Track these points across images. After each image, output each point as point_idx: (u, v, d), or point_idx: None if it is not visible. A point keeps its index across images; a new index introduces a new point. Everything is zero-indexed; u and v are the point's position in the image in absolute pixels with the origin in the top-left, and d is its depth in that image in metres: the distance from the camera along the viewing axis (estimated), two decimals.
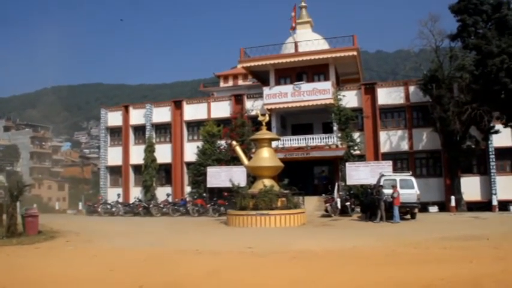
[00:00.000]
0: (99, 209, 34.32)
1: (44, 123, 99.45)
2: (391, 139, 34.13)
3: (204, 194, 33.15)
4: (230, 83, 55.63)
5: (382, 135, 34.06)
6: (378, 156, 33.30)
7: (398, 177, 24.05)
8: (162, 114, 40.03)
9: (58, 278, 9.15)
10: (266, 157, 23.75)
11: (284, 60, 35.65)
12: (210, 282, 8.49)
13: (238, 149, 25.58)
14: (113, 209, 34.08)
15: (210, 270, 9.62)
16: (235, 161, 31.29)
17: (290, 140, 34.66)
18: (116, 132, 41.84)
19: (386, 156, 32.82)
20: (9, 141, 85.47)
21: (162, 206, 32.13)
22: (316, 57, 34.80)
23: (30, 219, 19.08)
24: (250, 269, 9.92)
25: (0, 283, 8.39)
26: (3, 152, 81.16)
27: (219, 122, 36.90)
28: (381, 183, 23.31)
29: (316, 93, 34.08)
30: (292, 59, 35.38)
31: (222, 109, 38.25)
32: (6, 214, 18.11)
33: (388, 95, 34.31)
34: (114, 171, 41.43)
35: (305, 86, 34.63)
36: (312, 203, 30.98)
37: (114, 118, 41.79)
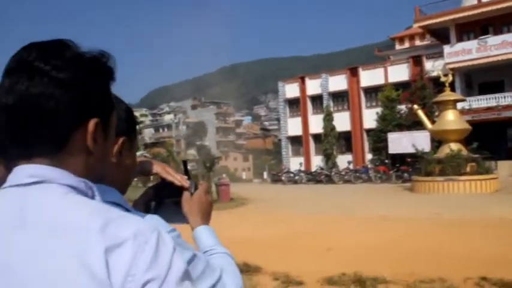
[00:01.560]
0: (283, 178, 35.93)
1: (225, 100, 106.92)
2: None
3: (386, 161, 32.49)
4: (406, 44, 52.74)
5: None
6: None
7: None
8: (338, 82, 39.97)
9: (251, 240, 9.87)
10: (451, 120, 22.29)
11: (466, 14, 32.59)
12: (396, 247, 8.36)
13: (421, 113, 24.34)
14: (296, 178, 35.41)
15: (396, 236, 9.47)
16: (417, 125, 29.86)
17: (477, 100, 31.86)
18: (293, 104, 43.10)
19: None
20: (197, 118, 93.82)
21: (343, 173, 32.41)
22: (505, 5, 31.05)
23: (223, 187, 20.97)
24: (438, 236, 9.50)
25: None
26: (193, 128, 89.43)
27: (398, 86, 35.56)
28: None
29: (506, 46, 30.62)
30: (475, 11, 32.16)
31: (399, 73, 36.73)
32: None
33: None
34: (295, 141, 42.83)
35: (492, 40, 31.33)
36: (507, 168, 28.24)
37: (291, 90, 43.04)
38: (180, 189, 1.27)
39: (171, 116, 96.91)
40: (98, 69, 0.85)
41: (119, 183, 1.06)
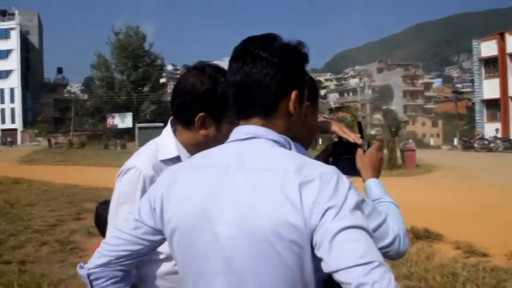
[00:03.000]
0: (476, 145, 33.44)
1: (413, 62, 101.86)
2: None
3: None
4: None
5: None
6: None
7: None
8: None
9: (435, 207, 9.54)
10: None
11: None
12: None
13: None
14: (491, 145, 32.63)
15: None
16: None
17: None
18: (490, 63, 39.42)
19: None
20: (383, 82, 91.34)
21: None
22: None
23: (409, 153, 20.36)
24: None
25: None
26: (378, 92, 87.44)
27: None
28: None
29: None
30: None
31: None
32: (386, 149, 19.73)
33: None
34: (491, 104, 39.32)
35: None
36: None
37: (487, 48, 39.29)
38: (354, 147, 1.50)
39: (356, 80, 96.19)
40: (297, 54, 1.17)
41: (304, 140, 1.32)
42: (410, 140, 32.17)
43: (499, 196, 11.21)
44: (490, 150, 32.15)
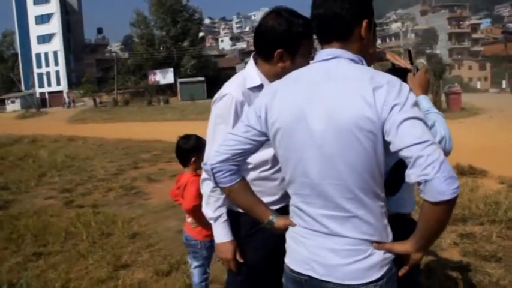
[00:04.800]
0: None
1: (460, 2, 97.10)
2: None
3: None
4: None
5: None
6: None
7: None
8: None
9: (480, 147, 9.61)
10: None
11: None
12: None
13: None
14: None
15: None
16: None
17: None
18: None
19: None
20: (427, 25, 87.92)
21: None
22: None
23: (453, 96, 20.09)
24: None
25: None
26: (422, 35, 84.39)
27: None
28: None
29: None
30: None
31: None
32: (431, 92, 19.50)
33: None
34: None
35: None
36: None
37: None
38: (406, 73, 1.82)
39: (399, 24, 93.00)
40: None
41: (368, 64, 1.61)
42: (456, 84, 31.39)
43: None
44: None
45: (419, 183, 1.25)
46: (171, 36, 60.21)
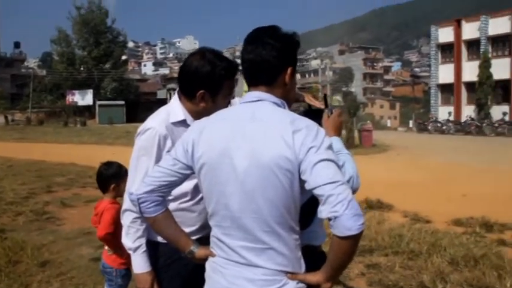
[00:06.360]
0: (429, 127, 34.69)
1: (374, 45, 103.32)
2: None
3: None
4: None
5: None
6: None
7: None
8: (500, 25, 36.19)
9: (387, 182, 10.27)
10: None
11: None
12: None
13: None
14: (443, 127, 33.93)
15: None
16: None
17: None
18: (447, 49, 40.43)
19: None
20: (344, 64, 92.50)
21: (496, 125, 30.32)
22: None
23: (366, 133, 21.22)
24: None
25: None
26: (339, 74, 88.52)
27: None
28: None
29: None
30: None
31: None
32: (345, 129, 20.53)
33: None
34: (445, 89, 40.43)
35: None
36: None
37: (445, 34, 40.30)
38: (320, 114, 1.96)
39: (318, 61, 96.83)
40: (293, 41, 1.67)
41: (289, 105, 1.76)
42: (368, 121, 33.20)
43: (446, 172, 12.15)
44: (442, 132, 33.47)
45: (329, 219, 1.38)
46: (93, 57, 58.47)
